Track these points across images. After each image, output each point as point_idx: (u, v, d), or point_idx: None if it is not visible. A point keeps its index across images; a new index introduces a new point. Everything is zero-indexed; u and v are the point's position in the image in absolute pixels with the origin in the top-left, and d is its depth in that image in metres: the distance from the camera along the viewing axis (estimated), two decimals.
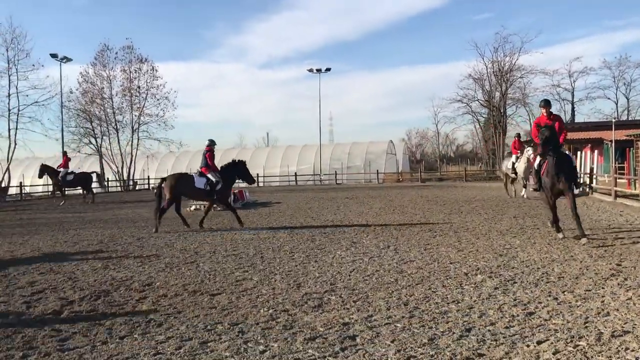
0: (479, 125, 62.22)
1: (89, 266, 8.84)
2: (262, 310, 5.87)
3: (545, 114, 10.27)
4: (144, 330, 5.26)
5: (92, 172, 28.41)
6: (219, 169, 14.06)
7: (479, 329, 5.04)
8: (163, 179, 14.02)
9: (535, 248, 9.48)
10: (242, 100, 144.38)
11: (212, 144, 14.34)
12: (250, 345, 4.76)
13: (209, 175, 13.82)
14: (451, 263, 8.32)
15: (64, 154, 27.78)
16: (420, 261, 8.53)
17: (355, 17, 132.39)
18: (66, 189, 27.58)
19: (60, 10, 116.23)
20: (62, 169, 26.09)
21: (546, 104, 10.32)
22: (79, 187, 27.52)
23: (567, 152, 9.79)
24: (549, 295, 6.20)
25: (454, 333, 4.92)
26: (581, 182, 10.15)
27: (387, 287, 6.84)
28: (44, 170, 26.08)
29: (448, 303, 5.98)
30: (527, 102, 56.20)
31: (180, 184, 13.69)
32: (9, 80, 38.87)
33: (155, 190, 14.04)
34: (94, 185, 27.78)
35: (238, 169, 14.16)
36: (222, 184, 13.84)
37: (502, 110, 55.59)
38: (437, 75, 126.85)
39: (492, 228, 12.40)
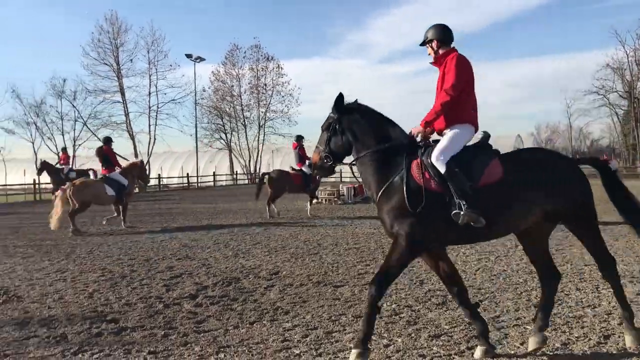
0: (618, 118, 57.58)
1: (220, 254, 9.37)
2: (385, 305, 5.88)
3: (431, 53, 4.67)
4: (272, 317, 5.49)
5: (89, 170, 27.17)
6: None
7: (619, 336, 4.69)
8: None
9: None
10: (361, 95, 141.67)
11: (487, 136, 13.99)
12: (374, 338, 4.79)
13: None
14: (586, 265, 7.80)
15: (64, 150, 26.48)
16: None
17: (478, 7, 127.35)
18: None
19: (194, 12, 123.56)
20: (64, 166, 24.81)
21: (434, 32, 4.63)
22: None
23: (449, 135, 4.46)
24: None
25: (590, 339, 4.63)
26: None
27: (516, 287, 6.57)
28: (44, 167, 24.41)
29: (583, 307, 5.63)
30: None
31: None
32: (150, 80, 42.11)
33: None
34: None
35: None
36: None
37: None
38: (568, 66, 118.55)
39: (632, 230, 11.44)
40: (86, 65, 40.20)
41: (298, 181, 15.56)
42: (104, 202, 13.80)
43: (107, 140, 14.53)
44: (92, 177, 15.79)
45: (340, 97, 4.52)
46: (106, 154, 14.00)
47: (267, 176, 15.99)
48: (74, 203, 12.84)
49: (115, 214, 14.22)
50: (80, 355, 4.46)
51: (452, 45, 4.65)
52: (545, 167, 4.32)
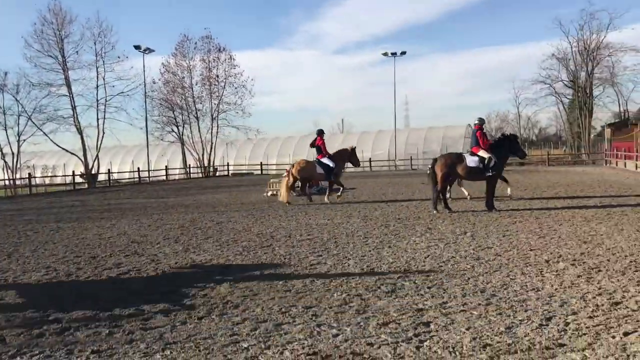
0: (563, 107, 59.47)
1: (170, 249, 9.21)
2: (335, 295, 5.90)
3: None
4: (221, 312, 5.42)
5: None
6: (489, 145, 13.45)
7: (560, 318, 4.84)
8: (435, 160, 13.63)
9: (623, 235, 8.98)
10: (317, 87, 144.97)
11: (482, 122, 13.71)
12: (323, 328, 4.80)
13: (481, 153, 13.21)
14: (531, 250, 8.03)
15: None
16: (498, 248, 8.29)
17: None
18: None
19: (143, 2, 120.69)
20: None
21: None
22: None
23: None
24: (638, 285, 5.86)
25: (533, 322, 4.75)
26: None
27: (463, 273, 6.69)
28: None
29: (527, 291, 5.78)
30: (615, 82, 53.15)
31: (452, 164, 13.23)
32: (97, 72, 40.97)
33: (428, 172, 13.95)
34: None
35: (510, 143, 13.55)
36: (495, 161, 13.10)
37: (588, 91, 52.86)
38: (518, 56, 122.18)
39: (576, 214, 11.85)
40: (29, 58, 38.77)
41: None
42: (317, 179, 17.81)
43: (320, 132, 17.44)
44: None
45: None
46: (318, 144, 17.14)
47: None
48: (295, 179, 16.95)
49: (340, 189, 17.30)
50: (18, 358, 4.29)
51: None
52: None
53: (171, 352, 4.32)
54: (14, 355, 4.35)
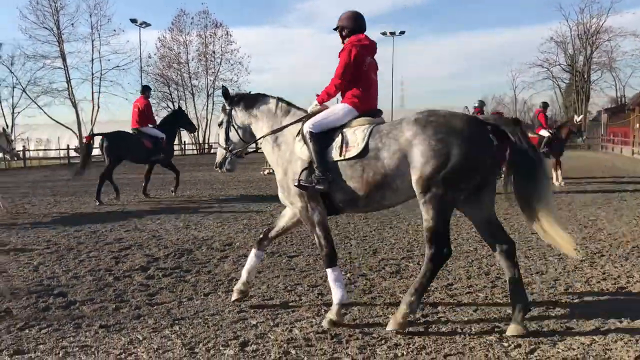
0: (560, 91, 59.33)
1: (171, 225, 9.17)
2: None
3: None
4: (227, 288, 5.41)
5: None
6: None
7: (566, 302, 4.86)
8: None
9: (623, 220, 9.02)
10: (312, 65, 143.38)
11: (482, 105, 14.34)
12: (330, 307, 4.79)
13: None
14: (532, 233, 8.01)
15: None
16: None
17: None
18: None
19: None
20: None
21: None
22: None
23: None
24: None
25: (539, 305, 4.76)
26: None
27: (467, 256, 6.71)
28: None
29: (531, 274, 5.80)
30: (614, 67, 52.96)
31: None
32: (92, 46, 40.56)
33: None
34: None
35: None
36: None
37: (585, 76, 52.67)
38: (516, 39, 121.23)
39: (575, 199, 11.88)
40: (24, 29, 38.35)
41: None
42: None
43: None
44: None
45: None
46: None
47: None
48: None
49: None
50: (27, 331, 4.27)
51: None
52: None
53: (180, 328, 4.32)
54: (22, 328, 4.33)
